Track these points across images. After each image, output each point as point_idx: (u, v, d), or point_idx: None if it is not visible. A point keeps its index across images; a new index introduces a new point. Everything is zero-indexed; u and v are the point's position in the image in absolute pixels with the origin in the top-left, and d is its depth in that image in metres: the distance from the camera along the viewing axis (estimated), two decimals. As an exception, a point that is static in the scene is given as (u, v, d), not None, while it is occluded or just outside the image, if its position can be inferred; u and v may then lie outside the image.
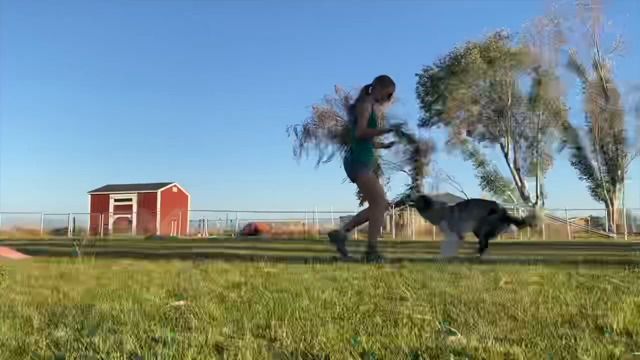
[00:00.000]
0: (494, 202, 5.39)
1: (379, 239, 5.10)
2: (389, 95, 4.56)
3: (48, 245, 8.96)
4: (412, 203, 5.36)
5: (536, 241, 14.00)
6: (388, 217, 23.73)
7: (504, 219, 4.96)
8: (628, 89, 26.10)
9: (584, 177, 27.03)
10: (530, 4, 48.98)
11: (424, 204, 5.15)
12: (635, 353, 1.46)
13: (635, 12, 43.25)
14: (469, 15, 54.04)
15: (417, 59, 63.68)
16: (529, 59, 26.55)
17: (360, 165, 4.53)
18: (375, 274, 3.48)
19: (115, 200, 26.85)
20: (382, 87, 4.52)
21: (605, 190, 25.68)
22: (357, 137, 4.47)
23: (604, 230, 21.71)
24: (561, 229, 21.13)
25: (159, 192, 26.29)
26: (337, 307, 2.20)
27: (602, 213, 27.15)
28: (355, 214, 5.07)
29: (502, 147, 28.17)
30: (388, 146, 5.29)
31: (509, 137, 27.72)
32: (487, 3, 52.61)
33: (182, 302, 2.33)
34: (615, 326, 1.76)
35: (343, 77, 69.23)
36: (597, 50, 26.31)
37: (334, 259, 4.68)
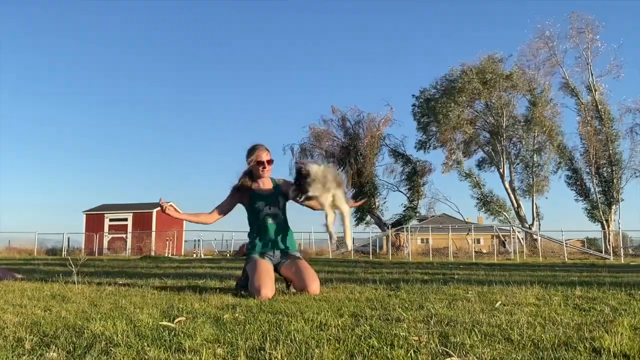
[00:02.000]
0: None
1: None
2: (259, 163, 3.97)
3: (42, 265, 8.88)
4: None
5: (532, 262, 13.97)
6: (385, 238, 23.67)
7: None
8: (622, 111, 26.44)
9: (580, 198, 27.13)
10: (525, 27, 49.79)
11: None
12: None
13: (628, 37, 43.98)
14: (465, 38, 54.81)
15: (414, 80, 64.43)
16: (524, 81, 26.87)
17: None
18: (371, 296, 3.46)
19: (110, 220, 26.71)
20: (249, 162, 4.03)
21: (600, 212, 25.74)
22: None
23: (600, 252, 21.68)
24: (557, 250, 21.12)
25: (154, 211, 26.13)
26: (333, 328, 2.18)
27: (599, 235, 27.18)
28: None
29: (498, 169, 28.29)
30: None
31: (505, 159, 27.86)
32: (483, 25, 53.44)
33: (176, 323, 2.30)
34: (612, 348, 1.75)
35: (340, 97, 69.72)
36: (591, 73, 26.67)
37: (329, 280, 4.66)
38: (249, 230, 4.09)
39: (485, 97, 27.31)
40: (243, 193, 4.01)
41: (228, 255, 21.69)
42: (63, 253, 21.61)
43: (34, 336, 2.06)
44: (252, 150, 4.01)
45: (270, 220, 3.95)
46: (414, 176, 27.80)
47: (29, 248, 23.04)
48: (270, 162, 4.02)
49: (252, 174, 4.05)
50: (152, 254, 20.98)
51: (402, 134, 37.67)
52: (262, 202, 3.97)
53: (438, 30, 59.15)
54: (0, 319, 2.54)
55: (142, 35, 60.06)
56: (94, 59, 57.76)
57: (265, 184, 4.06)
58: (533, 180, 27.13)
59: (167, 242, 24.03)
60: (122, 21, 58.60)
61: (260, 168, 3.97)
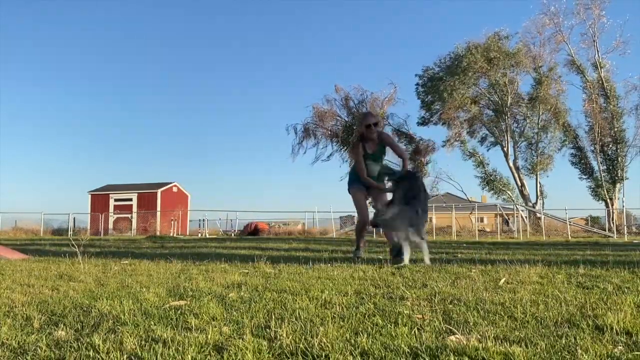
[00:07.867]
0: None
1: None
2: (368, 127, 4.85)
3: (48, 245, 8.95)
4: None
5: (536, 241, 14.00)
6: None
7: None
8: (628, 88, 26.18)
9: (584, 177, 27.06)
10: (531, 3, 49.05)
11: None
12: (636, 353, 1.46)
13: (635, 13, 43.30)
14: (469, 15, 54.02)
15: (417, 59, 63.66)
16: (529, 58, 26.57)
17: (349, 182, 5.27)
18: (375, 275, 3.48)
19: (116, 200, 26.82)
20: (360, 126, 4.99)
21: (605, 190, 25.70)
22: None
23: (604, 230, 21.71)
24: (560, 228, 21.14)
25: (159, 192, 26.25)
26: (337, 306, 2.20)
27: (602, 213, 27.18)
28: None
29: (502, 147, 28.17)
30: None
31: (509, 137, 27.72)
32: (487, 3, 52.63)
33: (182, 302, 2.33)
34: (615, 326, 1.76)
35: (343, 77, 69.15)
36: (597, 50, 26.36)
37: (333, 259, 4.69)
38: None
39: (490, 75, 27.05)
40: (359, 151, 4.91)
41: (233, 234, 21.81)
42: (69, 233, 21.78)
43: (42, 315, 2.09)
44: (361, 117, 5.05)
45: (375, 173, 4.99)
46: (417, 155, 27.69)
47: (35, 228, 23.22)
48: (377, 124, 4.89)
49: (363, 136, 4.94)
50: (157, 233, 21.12)
51: (405, 113, 37.42)
52: (371, 162, 4.96)
53: (443, 6, 58.31)
54: (9, 298, 2.57)
55: (150, 19, 59.49)
56: (94, 42, 57.34)
57: (372, 144, 4.96)
58: (537, 158, 27.04)
59: (172, 222, 24.15)
60: (130, 8, 57.98)
61: (370, 129, 4.83)
